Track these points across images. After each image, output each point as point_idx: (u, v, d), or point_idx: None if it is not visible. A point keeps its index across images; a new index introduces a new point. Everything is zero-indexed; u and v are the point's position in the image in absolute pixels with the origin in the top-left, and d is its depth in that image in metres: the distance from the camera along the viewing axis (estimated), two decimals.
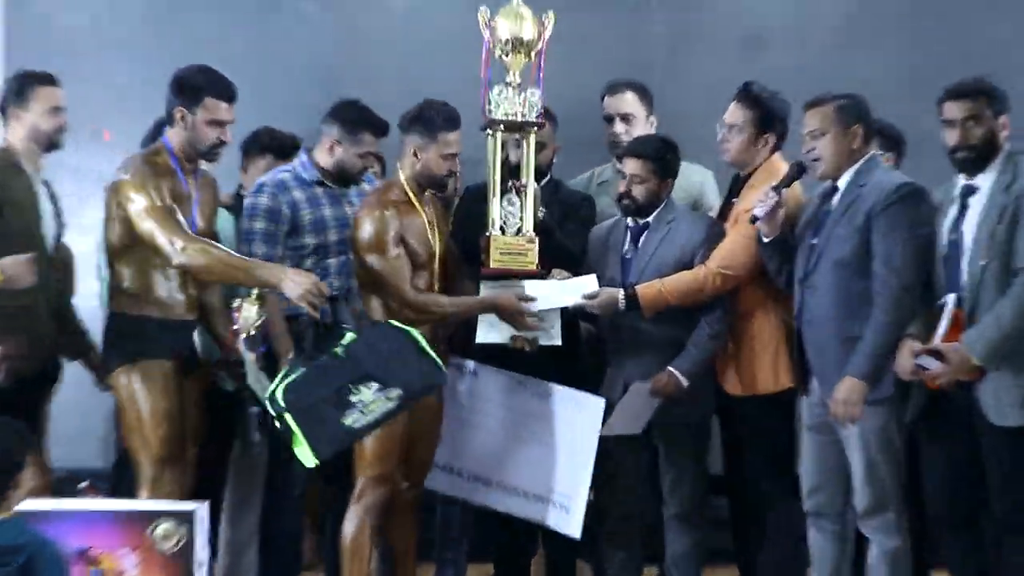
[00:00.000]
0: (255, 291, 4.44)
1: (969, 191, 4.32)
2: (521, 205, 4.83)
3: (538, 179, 4.92)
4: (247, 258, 4.54)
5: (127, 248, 4.51)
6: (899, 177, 4.48)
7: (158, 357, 4.51)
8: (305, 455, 4.25)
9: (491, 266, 4.78)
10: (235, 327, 4.47)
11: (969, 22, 6.09)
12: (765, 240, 4.58)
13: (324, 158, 4.90)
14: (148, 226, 4.39)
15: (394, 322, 4.43)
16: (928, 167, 4.59)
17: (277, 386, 4.25)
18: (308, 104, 5.35)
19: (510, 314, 4.70)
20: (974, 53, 5.80)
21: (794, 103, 4.75)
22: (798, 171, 4.59)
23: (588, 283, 4.76)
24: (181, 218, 4.44)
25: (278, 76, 6.06)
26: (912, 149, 5.13)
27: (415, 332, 4.37)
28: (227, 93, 4.55)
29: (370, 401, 4.24)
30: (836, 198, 4.49)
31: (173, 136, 4.55)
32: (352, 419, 4.23)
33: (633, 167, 4.81)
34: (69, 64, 5.36)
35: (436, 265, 4.71)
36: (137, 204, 4.41)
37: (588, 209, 5.16)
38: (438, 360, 4.39)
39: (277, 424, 4.27)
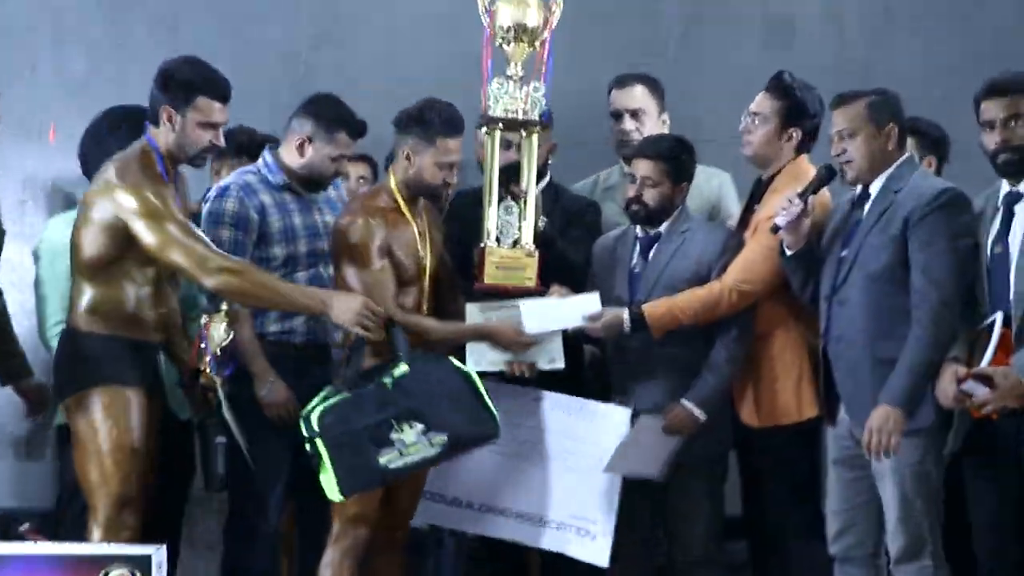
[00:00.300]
0: (223, 306, 4.20)
1: (1015, 198, 4.09)
2: (520, 214, 4.57)
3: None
4: (287, 281, 4.32)
5: (114, 260, 4.18)
6: (939, 182, 4.31)
7: (126, 383, 4.19)
8: (330, 487, 4.12)
9: (485, 281, 4.53)
10: (202, 346, 4.22)
11: (1019, 9, 5.87)
12: (788, 252, 4.33)
13: (292, 157, 4.59)
14: (166, 241, 4.09)
15: (455, 361, 4.26)
16: (977, 170, 4.38)
17: (313, 408, 4.13)
18: (282, 101, 5.07)
19: (507, 344, 4.44)
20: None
21: (825, 98, 4.53)
22: (827, 176, 4.36)
23: (590, 303, 4.49)
24: (202, 233, 4.21)
25: (249, 70, 5.67)
26: (958, 151, 4.93)
27: (475, 376, 4.23)
28: (222, 91, 4.25)
29: (411, 443, 4.09)
30: (868, 205, 4.27)
31: (159, 137, 4.22)
32: (388, 458, 4.09)
33: (644, 169, 4.54)
34: (20, 55, 5.36)
35: (426, 281, 4.45)
36: (144, 215, 4.09)
37: (593, 216, 4.90)
38: (495, 411, 4.22)
39: (307, 447, 4.13)
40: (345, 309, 4.12)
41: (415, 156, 4.35)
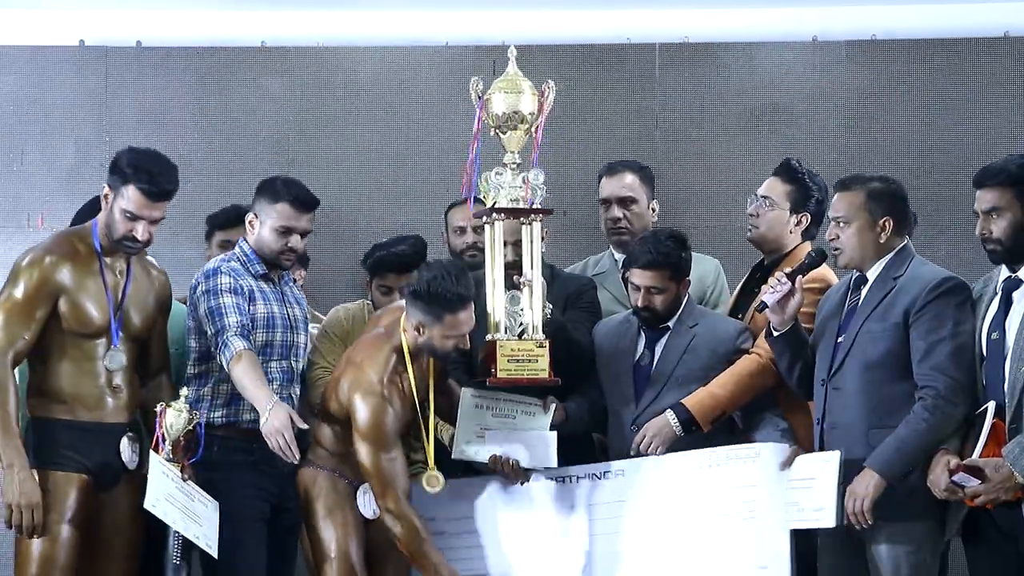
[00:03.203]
0: (182, 394, 4.12)
1: (1014, 284, 3.98)
2: (527, 302, 4.33)
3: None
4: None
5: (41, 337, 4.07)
6: (939, 270, 4.16)
7: (59, 467, 4.04)
8: None
9: (499, 376, 4.26)
10: (161, 433, 4.07)
11: (995, 95, 5.76)
12: (775, 332, 4.20)
13: (249, 239, 4.50)
14: None
15: None
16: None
17: None
18: None
19: None
20: (1000, 128, 5.60)
21: None
22: (817, 258, 4.28)
23: (547, 452, 4.33)
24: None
25: (237, 160, 5.75)
26: (929, 227, 5.04)
27: None
28: (150, 187, 4.07)
29: None
30: (865, 290, 4.17)
31: (101, 217, 4.14)
32: None
33: (648, 279, 4.37)
34: (10, 145, 5.33)
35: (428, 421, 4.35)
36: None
37: (591, 295, 4.65)
38: None
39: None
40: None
41: (424, 328, 4.16)
